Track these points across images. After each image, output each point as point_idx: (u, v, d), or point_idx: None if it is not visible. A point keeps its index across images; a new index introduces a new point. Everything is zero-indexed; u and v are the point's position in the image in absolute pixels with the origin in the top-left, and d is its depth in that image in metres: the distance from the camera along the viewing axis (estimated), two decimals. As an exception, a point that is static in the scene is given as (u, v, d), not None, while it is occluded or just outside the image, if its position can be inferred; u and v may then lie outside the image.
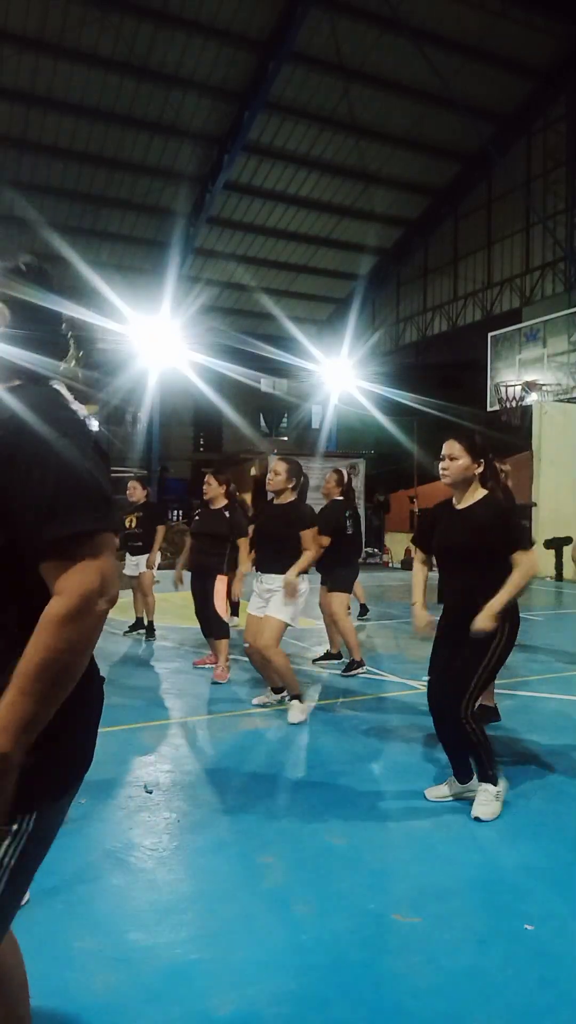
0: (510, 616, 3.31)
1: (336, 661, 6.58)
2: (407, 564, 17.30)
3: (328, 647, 6.77)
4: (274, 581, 4.86)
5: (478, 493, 3.40)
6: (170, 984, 2.15)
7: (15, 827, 1.20)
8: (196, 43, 16.55)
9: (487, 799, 3.31)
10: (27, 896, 2.45)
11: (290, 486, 5.01)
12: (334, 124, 18.90)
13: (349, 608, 7.40)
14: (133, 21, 15.80)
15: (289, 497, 5.03)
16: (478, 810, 3.27)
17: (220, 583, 5.95)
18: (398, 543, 19.01)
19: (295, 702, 4.90)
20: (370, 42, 17.02)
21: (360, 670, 6.20)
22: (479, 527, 3.29)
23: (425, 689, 5.69)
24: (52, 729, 1.19)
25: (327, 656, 6.68)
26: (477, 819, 3.23)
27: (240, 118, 18.18)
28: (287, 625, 4.87)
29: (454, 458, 3.36)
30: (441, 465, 3.42)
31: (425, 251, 24.12)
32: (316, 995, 2.12)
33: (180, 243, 21.10)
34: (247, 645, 5.04)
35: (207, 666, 6.32)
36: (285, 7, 15.87)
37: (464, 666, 3.26)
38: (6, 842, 1.20)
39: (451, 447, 3.38)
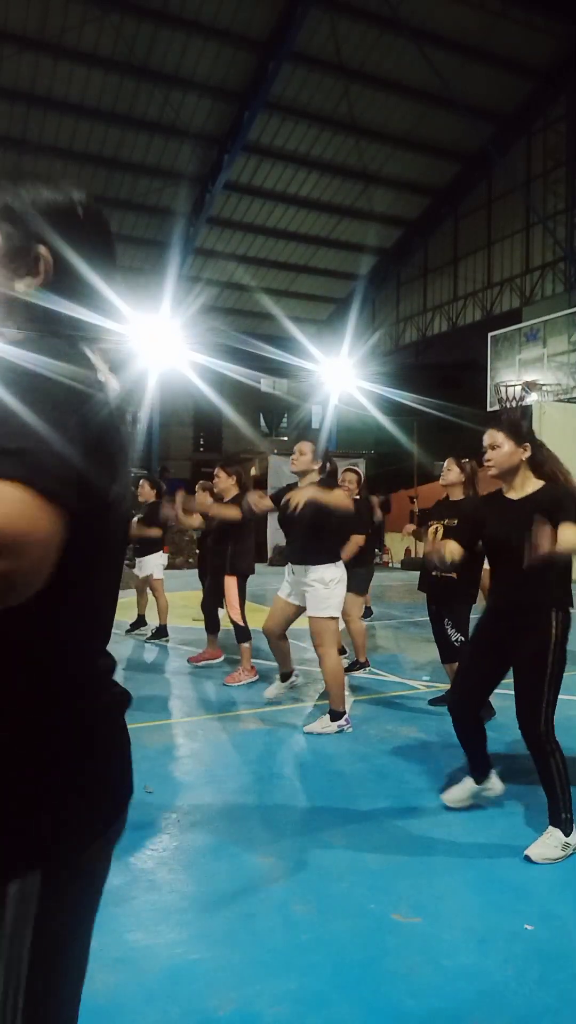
0: (563, 620, 2.98)
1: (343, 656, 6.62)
2: (407, 564, 17.30)
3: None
4: (307, 574, 4.53)
5: (534, 482, 3.08)
6: (170, 984, 2.15)
7: (12, 890, 0.91)
8: (196, 43, 16.55)
9: (551, 843, 2.92)
10: None
11: (316, 467, 4.62)
12: (334, 124, 18.90)
13: (370, 610, 7.38)
14: (133, 21, 15.79)
15: (315, 478, 4.62)
16: (535, 850, 2.91)
17: (231, 586, 5.87)
18: (398, 543, 19.01)
19: (327, 716, 4.59)
20: (370, 42, 17.02)
21: (362, 670, 6.28)
22: (544, 516, 2.90)
23: (426, 689, 5.72)
24: (42, 761, 0.95)
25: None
26: (527, 858, 2.89)
27: (240, 118, 18.18)
28: (336, 619, 4.57)
29: (496, 446, 3.06)
30: (485, 458, 3.12)
31: (425, 251, 24.12)
32: (316, 995, 2.12)
33: (180, 243, 21.10)
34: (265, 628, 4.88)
35: (202, 663, 6.32)
36: (285, 7, 15.86)
37: (528, 678, 2.96)
38: (5, 914, 0.91)
39: (491, 436, 3.09)
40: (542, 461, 3.12)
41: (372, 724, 4.85)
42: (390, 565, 18.31)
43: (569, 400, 16.49)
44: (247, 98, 17.75)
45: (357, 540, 5.86)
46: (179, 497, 6.28)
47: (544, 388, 17.11)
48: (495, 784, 3.40)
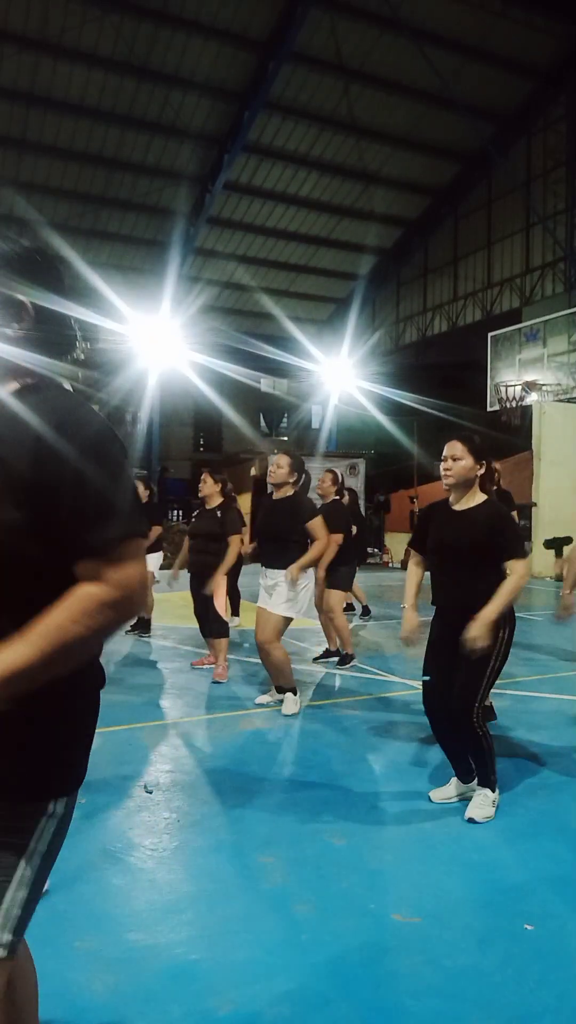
0: (508, 618, 3.31)
1: (335, 658, 6.67)
2: (407, 564, 17.28)
3: (327, 645, 6.85)
4: (276, 576, 4.85)
5: (478, 496, 3.39)
6: (170, 984, 2.15)
7: (51, 808, 1.28)
8: (196, 43, 16.55)
9: (484, 803, 3.33)
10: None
11: (291, 480, 4.99)
12: (334, 124, 18.91)
13: (354, 607, 7.48)
14: (133, 21, 15.80)
15: (289, 491, 5.01)
16: (473, 812, 3.30)
17: (221, 584, 5.97)
18: (398, 543, 18.99)
19: (288, 695, 4.97)
20: (370, 42, 17.02)
21: (350, 664, 6.47)
22: (477, 529, 3.28)
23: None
24: (75, 720, 1.30)
25: (327, 654, 6.75)
26: (471, 820, 3.26)
27: (240, 118, 18.19)
28: (289, 619, 4.88)
29: (457, 459, 3.35)
30: (443, 466, 3.39)
31: (425, 251, 24.12)
32: (316, 995, 2.12)
33: (180, 243, 21.11)
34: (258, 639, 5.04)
35: (205, 667, 6.33)
36: (285, 7, 15.87)
37: (469, 670, 3.24)
38: (41, 824, 1.27)
39: (454, 448, 3.37)
40: (486, 480, 3.45)
41: (372, 724, 4.85)
42: (390, 565, 18.30)
43: (569, 400, 16.50)
44: (247, 98, 17.76)
45: (336, 539, 5.96)
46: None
47: (544, 388, 17.12)
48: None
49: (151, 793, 3.57)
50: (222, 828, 3.21)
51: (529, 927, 2.47)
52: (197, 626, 6.43)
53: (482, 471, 3.38)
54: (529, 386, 17.37)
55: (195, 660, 6.55)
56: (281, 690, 5.18)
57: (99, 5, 15.16)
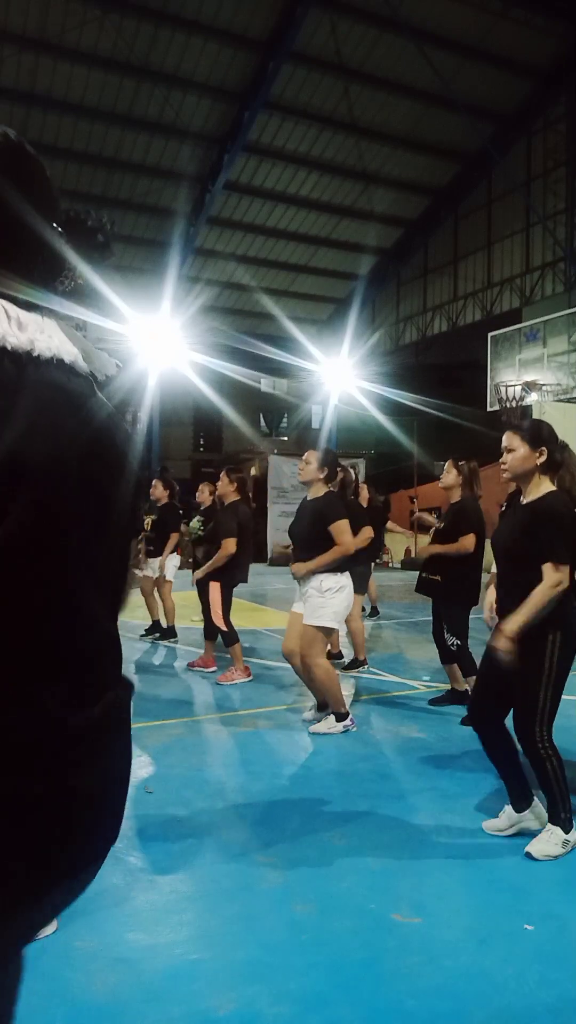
0: (559, 621, 2.94)
1: (338, 660, 6.64)
2: (407, 564, 17.29)
3: (329, 647, 6.82)
4: (307, 583, 4.53)
5: (542, 487, 3.01)
6: (170, 984, 2.15)
7: None
8: (196, 43, 16.54)
9: (550, 839, 2.95)
10: (54, 926, 2.33)
11: (321, 476, 4.63)
12: (334, 124, 18.89)
13: (365, 609, 7.46)
14: (133, 21, 15.79)
15: (321, 490, 4.65)
16: (535, 846, 2.94)
17: (215, 593, 5.93)
18: (398, 543, 18.99)
19: (331, 717, 4.62)
20: (370, 42, 17.01)
21: (360, 668, 6.36)
22: (518, 528, 2.98)
23: (426, 689, 5.72)
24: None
25: (329, 656, 6.70)
26: (528, 855, 2.92)
27: (240, 118, 18.18)
28: (329, 630, 4.56)
29: (511, 449, 3.02)
30: (501, 460, 3.09)
31: (425, 251, 24.11)
32: (316, 995, 2.12)
33: (180, 243, 21.10)
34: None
35: (198, 669, 6.29)
36: (285, 7, 15.86)
37: (523, 688, 2.94)
38: None
39: (508, 439, 3.06)
40: (559, 465, 3.05)
41: (372, 724, 4.85)
42: (390, 565, 18.30)
43: (569, 400, 16.49)
44: (247, 98, 17.75)
45: (367, 532, 5.97)
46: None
47: (544, 388, 17.11)
48: (539, 814, 3.12)
49: (151, 793, 3.57)
50: (222, 828, 3.21)
51: (529, 927, 2.47)
52: (197, 626, 6.44)
53: (542, 459, 2.99)
54: (529, 386, 17.36)
55: (190, 661, 6.53)
56: (323, 707, 4.79)
57: (99, 5, 15.15)
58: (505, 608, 3.01)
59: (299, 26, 15.92)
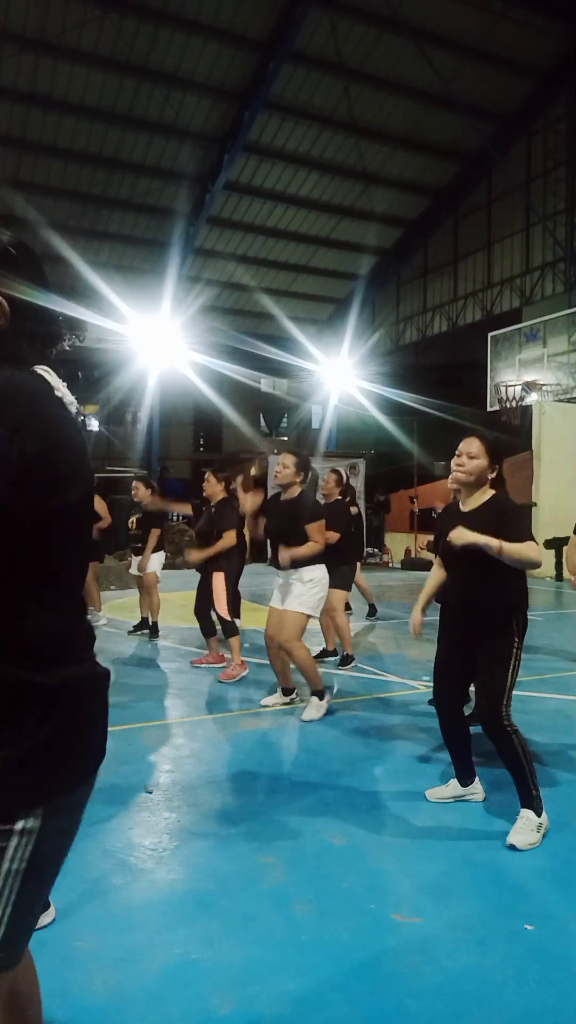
0: (521, 614, 3.21)
1: (332, 658, 6.68)
2: (407, 564, 17.29)
3: (324, 645, 6.86)
4: (288, 576, 4.84)
5: (486, 495, 3.27)
6: (170, 984, 2.15)
7: (19, 826, 1.16)
8: (196, 43, 16.55)
9: (526, 827, 3.08)
10: (52, 914, 2.41)
11: (298, 479, 4.94)
12: (334, 124, 18.90)
13: (349, 607, 7.53)
14: (133, 21, 15.79)
15: (296, 491, 4.96)
16: (515, 837, 3.05)
17: (219, 582, 6.01)
18: (398, 543, 19.00)
19: (314, 698, 4.89)
20: (370, 42, 17.02)
21: (351, 664, 6.46)
22: (483, 527, 3.13)
23: (426, 689, 5.72)
24: (43, 720, 1.17)
25: (323, 654, 6.76)
26: (512, 847, 3.01)
27: (240, 118, 18.19)
28: (308, 617, 4.86)
29: (473, 456, 3.20)
30: (456, 462, 3.24)
31: (425, 251, 24.12)
32: (316, 995, 2.12)
33: (180, 243, 21.11)
34: (269, 638, 5.05)
35: (204, 666, 6.35)
36: (285, 7, 15.87)
37: (490, 671, 3.15)
38: (12, 843, 1.16)
39: (471, 444, 3.23)
40: (498, 480, 3.32)
41: (372, 724, 4.85)
42: (390, 565, 18.29)
43: (569, 400, 16.50)
44: (247, 98, 17.76)
45: (329, 536, 5.93)
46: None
47: (544, 388, 17.12)
48: (478, 790, 3.52)
49: (151, 793, 3.57)
50: (222, 828, 3.21)
51: (529, 927, 2.47)
52: (198, 626, 6.46)
53: (494, 475, 3.25)
54: (529, 386, 17.37)
55: (194, 659, 6.56)
56: (288, 692, 5.21)
57: (99, 5, 15.16)
58: (463, 606, 3.26)
59: (299, 26, 15.93)
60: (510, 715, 3.13)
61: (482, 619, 3.19)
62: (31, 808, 1.18)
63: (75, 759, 1.25)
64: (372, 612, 9.26)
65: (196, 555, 6.08)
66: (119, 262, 22.09)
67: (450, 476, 3.35)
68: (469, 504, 3.28)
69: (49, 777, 1.20)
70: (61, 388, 1.24)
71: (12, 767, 1.15)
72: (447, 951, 2.33)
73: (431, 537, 5.38)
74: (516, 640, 3.17)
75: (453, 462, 3.27)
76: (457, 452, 3.27)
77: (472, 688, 3.71)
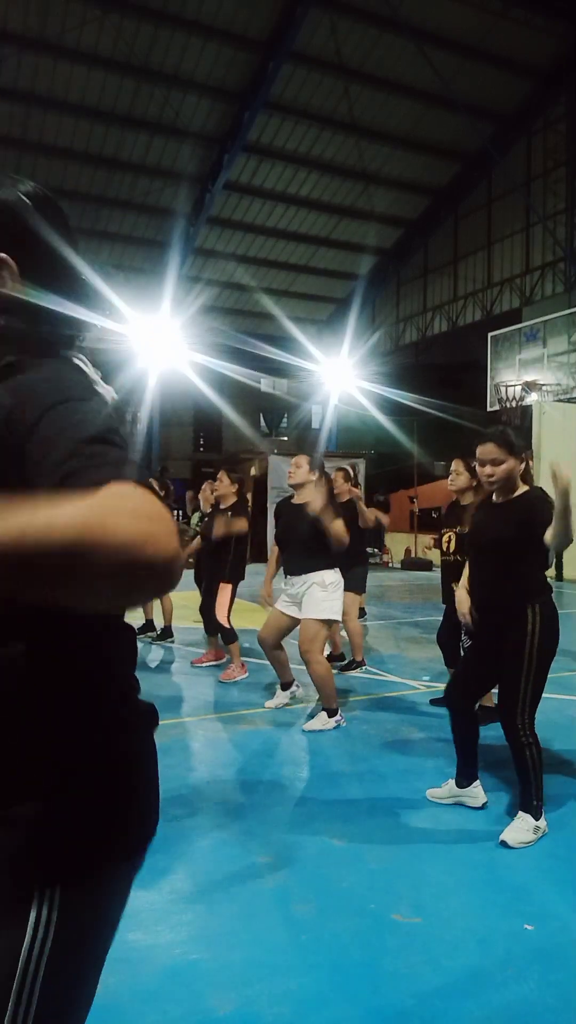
0: (542, 614, 3.11)
1: (339, 663, 6.61)
2: (407, 564, 17.29)
3: (330, 649, 6.80)
4: (303, 583, 4.63)
5: (521, 488, 3.20)
6: (170, 984, 2.15)
7: (33, 915, 0.88)
8: (196, 43, 16.55)
9: (522, 827, 3.08)
10: None
11: (313, 478, 4.70)
12: (334, 124, 18.90)
13: (363, 610, 7.47)
14: (133, 21, 15.79)
15: (310, 492, 4.68)
16: (508, 834, 3.05)
17: (223, 592, 5.96)
18: (398, 543, 18.98)
19: (323, 713, 4.70)
20: (370, 42, 17.02)
21: (359, 669, 6.35)
22: (521, 521, 3.08)
23: (426, 689, 5.72)
24: (77, 768, 0.92)
25: (331, 658, 6.69)
26: (503, 843, 3.02)
27: (240, 118, 18.19)
28: (328, 624, 4.66)
29: (498, 462, 3.13)
30: (485, 472, 3.17)
31: (425, 251, 24.12)
32: (316, 995, 2.12)
33: (180, 243, 21.10)
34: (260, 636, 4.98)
35: (204, 665, 6.35)
36: (285, 7, 15.86)
37: (506, 674, 3.12)
38: (25, 941, 0.87)
39: (492, 451, 3.14)
40: (527, 468, 3.27)
41: (372, 724, 4.85)
42: (390, 565, 18.29)
43: (569, 400, 16.49)
44: (247, 98, 17.76)
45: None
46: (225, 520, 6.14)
47: (544, 388, 17.11)
48: (477, 794, 3.45)
49: (151, 793, 3.57)
50: (222, 828, 3.21)
51: (529, 927, 2.47)
52: (197, 625, 6.46)
53: (523, 466, 3.18)
54: (529, 386, 17.36)
55: (195, 659, 6.57)
56: (286, 686, 5.15)
57: (99, 5, 15.16)
58: (486, 604, 3.22)
59: (299, 26, 15.92)
60: (528, 724, 3.07)
61: (507, 615, 3.12)
62: (42, 890, 0.90)
63: (122, 820, 0.97)
64: (360, 613, 9.29)
65: (222, 530, 5.87)
66: (119, 262, 22.08)
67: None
68: (504, 497, 3.23)
69: (63, 846, 0.91)
70: (99, 381, 1.04)
71: (32, 829, 0.89)
72: (447, 951, 2.33)
73: (435, 536, 5.35)
74: (532, 645, 3.05)
75: (480, 472, 3.21)
76: (479, 462, 3.18)
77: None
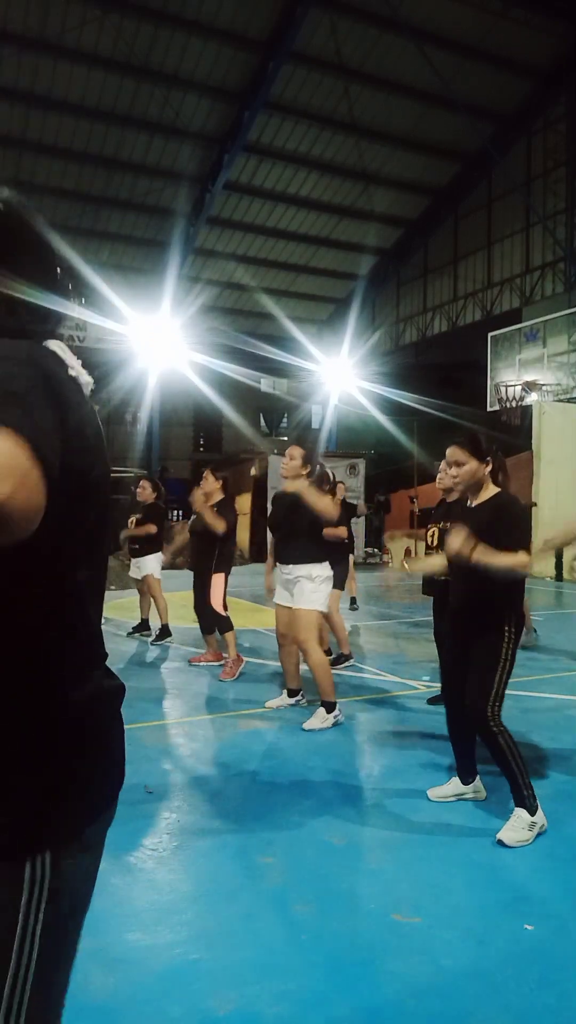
0: (513, 615, 3.25)
1: (328, 659, 6.67)
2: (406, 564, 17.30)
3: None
4: (295, 571, 4.72)
5: (490, 491, 3.31)
6: (170, 984, 2.15)
7: (27, 873, 0.98)
8: (196, 43, 16.56)
9: (517, 825, 3.07)
10: None
11: (304, 472, 4.79)
12: (334, 124, 18.91)
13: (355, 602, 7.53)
14: (133, 21, 15.80)
15: (303, 485, 4.76)
16: (505, 834, 3.04)
17: (218, 582, 6.06)
18: (398, 543, 19.00)
19: (321, 709, 4.70)
20: (370, 42, 17.03)
21: (347, 663, 6.43)
22: (485, 524, 3.17)
23: (426, 689, 5.72)
24: (40, 751, 1.00)
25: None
26: (500, 843, 3.01)
27: (240, 118, 18.20)
28: (322, 613, 4.80)
29: (461, 464, 3.25)
30: (451, 473, 3.32)
31: (425, 251, 24.13)
32: (316, 995, 2.12)
33: (180, 243, 21.12)
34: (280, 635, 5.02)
35: (202, 664, 6.36)
36: (285, 7, 15.87)
37: (478, 669, 3.19)
38: (23, 898, 0.98)
39: (455, 453, 3.26)
40: (497, 470, 3.35)
41: (372, 724, 4.85)
42: (390, 565, 18.29)
43: (569, 400, 16.50)
44: (247, 98, 17.77)
45: (340, 532, 5.92)
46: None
47: (544, 388, 17.13)
48: (479, 789, 3.52)
49: (151, 793, 3.57)
50: (222, 828, 3.21)
51: (529, 927, 2.47)
52: (196, 625, 6.47)
53: (489, 468, 3.29)
54: (529, 386, 17.38)
55: (192, 657, 6.57)
56: (293, 693, 5.14)
57: (99, 5, 15.17)
58: (461, 602, 3.32)
59: (299, 26, 15.94)
60: (498, 716, 3.15)
61: (477, 617, 3.22)
62: (35, 854, 0.99)
63: (79, 789, 1.07)
64: (352, 604, 9.47)
65: (210, 517, 5.93)
66: (119, 262, 22.09)
67: (437, 478, 3.40)
68: (475, 500, 3.35)
69: (49, 816, 1.02)
70: (76, 367, 1.04)
71: (21, 799, 0.99)
72: (447, 951, 2.33)
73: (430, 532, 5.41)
74: (508, 641, 3.18)
75: (449, 473, 3.37)
76: (446, 463, 3.35)
77: None
